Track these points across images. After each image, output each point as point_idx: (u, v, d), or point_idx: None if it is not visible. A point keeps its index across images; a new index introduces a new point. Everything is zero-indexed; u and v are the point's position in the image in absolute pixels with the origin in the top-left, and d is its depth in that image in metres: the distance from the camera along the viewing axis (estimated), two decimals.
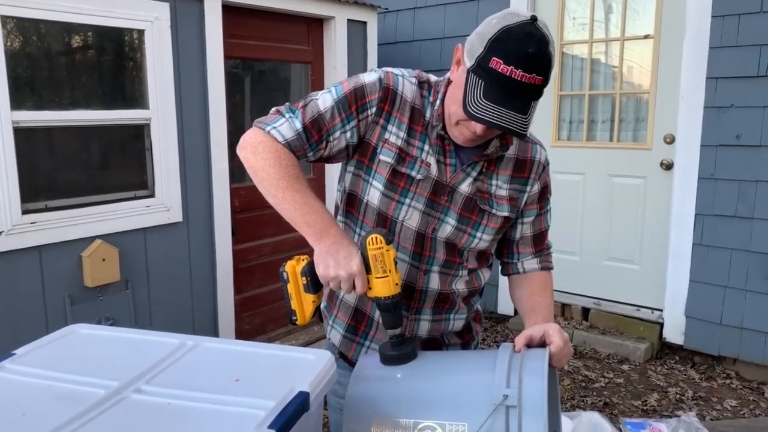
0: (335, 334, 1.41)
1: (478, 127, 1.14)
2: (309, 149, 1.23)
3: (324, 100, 1.23)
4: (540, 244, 1.40)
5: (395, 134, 1.24)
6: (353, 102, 1.22)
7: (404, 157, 1.24)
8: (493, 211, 1.28)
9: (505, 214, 1.30)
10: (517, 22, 1.07)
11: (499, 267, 1.46)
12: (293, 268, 1.17)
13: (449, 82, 1.24)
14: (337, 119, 1.22)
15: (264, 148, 1.19)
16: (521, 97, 1.08)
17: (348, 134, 1.23)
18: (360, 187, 1.29)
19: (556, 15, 3.89)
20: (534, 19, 1.08)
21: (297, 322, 1.17)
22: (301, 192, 1.18)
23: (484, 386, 1.00)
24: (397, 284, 1.12)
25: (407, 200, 1.25)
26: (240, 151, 1.23)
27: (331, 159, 1.29)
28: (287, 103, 1.26)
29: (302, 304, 1.16)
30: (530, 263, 1.40)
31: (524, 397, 0.96)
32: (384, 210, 1.26)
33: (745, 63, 3.17)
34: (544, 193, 1.37)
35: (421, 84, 1.27)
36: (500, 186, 1.29)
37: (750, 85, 3.16)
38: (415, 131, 1.25)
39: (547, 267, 1.42)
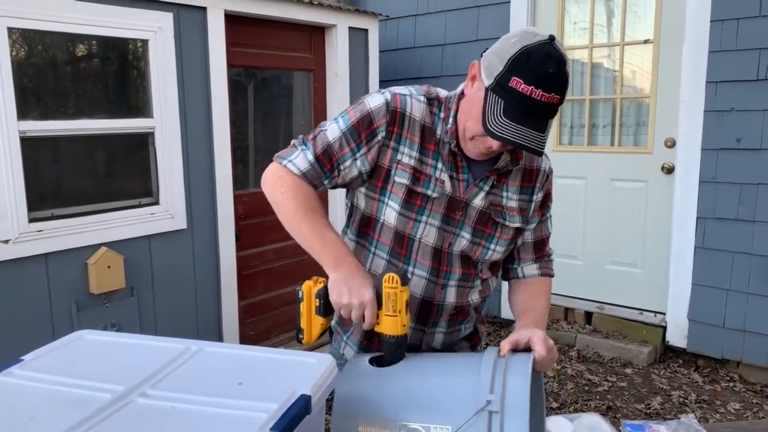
0: (349, 350, 1.43)
1: (495, 144, 1.15)
2: (324, 177, 1.26)
3: (332, 131, 1.25)
4: (540, 250, 1.42)
5: (408, 155, 1.24)
6: (361, 130, 1.24)
7: (419, 176, 1.25)
8: (506, 222, 1.30)
9: (517, 225, 1.32)
10: (536, 42, 1.09)
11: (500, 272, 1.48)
12: (309, 288, 1.18)
13: (461, 96, 1.24)
14: (346, 149, 1.24)
15: (282, 182, 1.24)
16: (539, 115, 1.11)
17: (359, 162, 1.25)
18: (375, 208, 1.29)
19: (557, 20, 3.91)
20: (552, 38, 1.10)
21: (303, 341, 1.19)
22: (317, 222, 1.22)
23: (469, 390, 1.01)
24: (404, 326, 1.13)
25: (424, 218, 1.26)
26: (263, 185, 1.28)
27: (347, 185, 1.31)
28: (301, 136, 1.30)
29: (311, 324, 1.18)
30: (530, 269, 1.42)
31: (507, 403, 0.97)
32: (402, 229, 1.27)
33: (744, 67, 3.17)
34: (546, 201, 1.40)
35: (431, 101, 1.27)
36: (510, 197, 1.31)
37: (750, 88, 3.17)
38: (428, 149, 1.25)
39: (547, 274, 1.43)
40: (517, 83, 1.07)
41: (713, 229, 3.38)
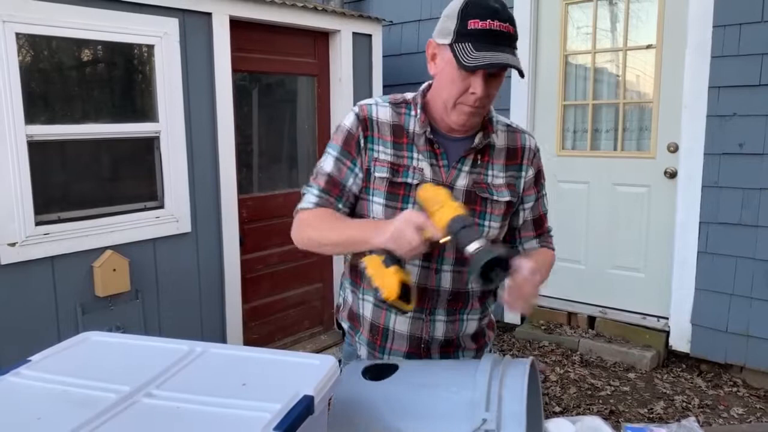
0: (363, 350, 1.47)
1: (478, 88, 1.22)
2: (336, 202, 1.36)
3: (327, 163, 1.37)
4: (540, 227, 1.48)
5: (383, 152, 1.34)
6: (349, 148, 1.35)
7: (397, 168, 1.33)
8: (494, 197, 1.35)
9: (507, 199, 1.37)
10: None
11: None
12: (370, 258, 1.22)
13: (429, 87, 1.36)
14: (344, 169, 1.36)
15: (303, 221, 1.36)
16: (504, 43, 1.21)
17: (360, 175, 1.36)
18: (365, 207, 1.36)
19: (560, 25, 3.93)
20: None
21: (385, 296, 1.18)
22: (342, 220, 1.32)
23: (464, 403, 1.01)
24: (455, 209, 1.14)
25: (409, 206, 1.32)
26: (296, 241, 1.38)
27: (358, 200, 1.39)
28: (305, 184, 1.41)
29: (385, 279, 1.18)
30: (530, 244, 1.49)
31: (504, 423, 0.96)
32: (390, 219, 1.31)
33: (746, 72, 3.18)
34: (539, 178, 1.45)
35: (398, 105, 1.38)
36: (496, 175, 1.37)
37: (752, 93, 3.18)
38: (401, 144, 1.35)
39: (547, 247, 1.49)
40: (475, 23, 1.19)
41: (716, 233, 3.38)
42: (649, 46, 3.66)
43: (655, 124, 3.66)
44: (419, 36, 4.42)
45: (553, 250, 1.50)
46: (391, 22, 4.38)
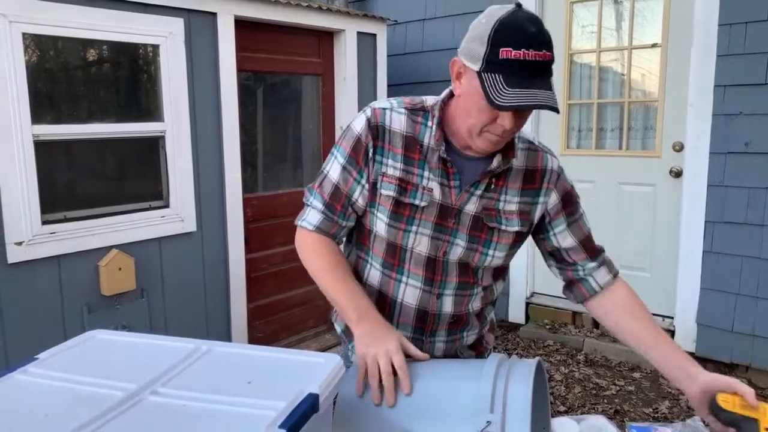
0: (355, 358, 1.43)
1: (507, 122, 1.12)
2: (340, 219, 1.29)
3: (333, 170, 1.28)
4: (591, 247, 1.37)
5: (392, 166, 1.24)
6: (357, 156, 1.26)
7: (405, 186, 1.24)
8: (503, 227, 1.26)
9: (516, 228, 1.27)
10: (507, 12, 1.09)
11: (562, 287, 1.41)
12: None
13: (448, 101, 1.24)
14: (350, 180, 1.27)
15: (305, 242, 1.30)
16: (539, 75, 1.08)
17: (367, 186, 1.27)
18: (367, 218, 1.30)
19: (565, 24, 3.92)
20: (519, 5, 1.11)
21: None
22: (339, 278, 1.24)
23: (469, 403, 1.00)
24: None
25: (414, 227, 1.25)
26: (298, 253, 1.32)
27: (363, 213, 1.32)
28: (308, 187, 1.33)
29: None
30: (601, 275, 1.35)
31: (508, 425, 0.95)
32: (392, 240, 1.27)
33: (752, 71, 3.17)
34: (569, 201, 1.34)
35: (415, 111, 1.26)
36: (509, 201, 1.27)
37: (758, 92, 3.16)
38: (413, 159, 1.24)
39: (616, 273, 1.38)
40: (507, 52, 1.06)
41: (722, 233, 3.37)
42: (654, 45, 3.65)
43: (661, 122, 3.65)
44: (424, 35, 4.42)
45: (618, 271, 1.39)
46: (396, 21, 4.38)
